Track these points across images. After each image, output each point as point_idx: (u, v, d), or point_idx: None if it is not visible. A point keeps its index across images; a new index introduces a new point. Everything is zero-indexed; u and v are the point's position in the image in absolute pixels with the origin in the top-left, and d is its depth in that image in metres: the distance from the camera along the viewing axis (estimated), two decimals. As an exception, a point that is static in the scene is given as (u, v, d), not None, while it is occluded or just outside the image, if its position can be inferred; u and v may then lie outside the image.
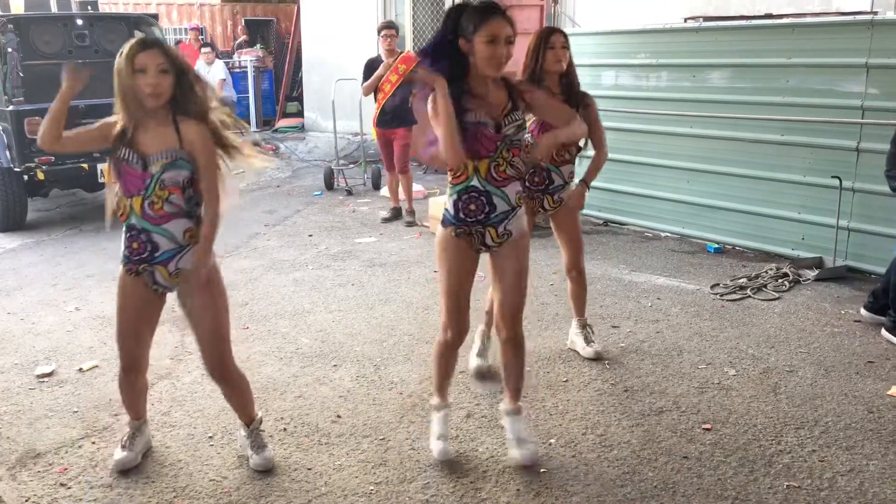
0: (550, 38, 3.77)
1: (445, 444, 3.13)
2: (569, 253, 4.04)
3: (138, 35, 7.92)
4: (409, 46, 10.09)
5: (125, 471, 3.07)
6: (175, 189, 2.73)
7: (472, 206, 2.87)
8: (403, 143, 7.23)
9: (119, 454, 3.10)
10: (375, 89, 7.16)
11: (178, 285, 2.83)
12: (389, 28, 7.25)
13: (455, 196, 2.90)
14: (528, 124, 3.10)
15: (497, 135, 2.81)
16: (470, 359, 3.95)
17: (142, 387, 3.14)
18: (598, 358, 4.06)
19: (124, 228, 2.79)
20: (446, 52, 2.76)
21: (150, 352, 3.06)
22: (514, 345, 3.04)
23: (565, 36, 3.83)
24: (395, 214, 7.47)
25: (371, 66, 7.23)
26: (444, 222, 2.97)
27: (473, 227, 2.90)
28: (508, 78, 2.90)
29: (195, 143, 2.73)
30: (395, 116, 7.17)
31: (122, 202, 2.76)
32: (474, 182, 2.85)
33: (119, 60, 2.69)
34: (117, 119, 2.77)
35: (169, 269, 2.78)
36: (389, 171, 7.44)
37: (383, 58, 7.14)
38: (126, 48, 2.69)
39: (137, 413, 3.17)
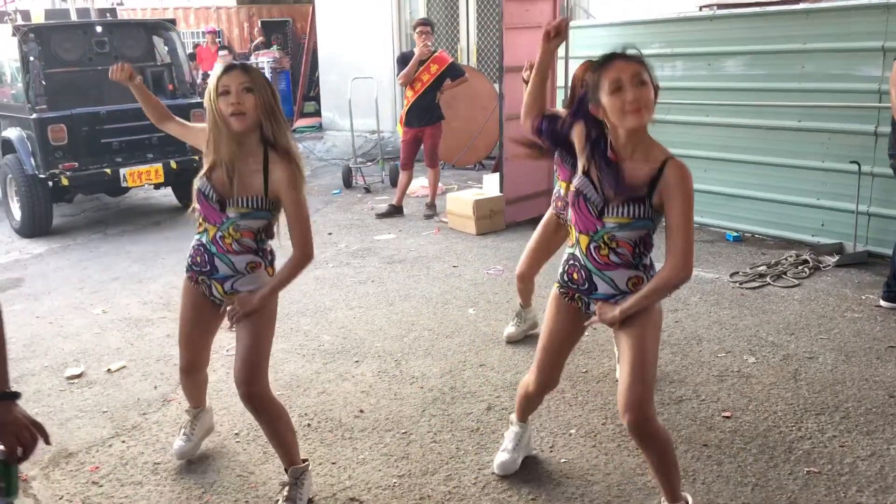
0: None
1: (507, 457, 3.02)
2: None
3: (159, 41, 8.10)
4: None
5: (183, 461, 3.19)
6: (248, 234, 2.71)
7: (575, 276, 2.56)
8: (434, 140, 7.36)
9: (178, 444, 3.20)
10: (406, 86, 7.30)
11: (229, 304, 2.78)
12: (425, 25, 7.35)
13: (566, 256, 2.62)
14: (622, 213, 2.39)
15: (597, 219, 2.42)
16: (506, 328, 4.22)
17: (202, 381, 3.19)
18: None
19: (195, 239, 2.80)
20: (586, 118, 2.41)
21: (209, 352, 3.10)
22: (636, 436, 2.49)
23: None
24: (392, 212, 7.55)
25: (404, 59, 7.35)
26: (558, 278, 2.68)
27: (577, 295, 2.61)
28: (671, 158, 2.34)
29: (282, 188, 2.63)
30: (424, 115, 7.28)
31: (200, 221, 2.77)
32: (576, 252, 2.54)
33: (206, 94, 2.65)
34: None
35: (224, 287, 2.77)
36: (405, 169, 7.51)
37: (416, 52, 7.26)
38: (212, 78, 2.67)
39: (196, 402, 3.22)
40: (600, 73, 2.32)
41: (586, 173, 2.45)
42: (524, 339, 4.26)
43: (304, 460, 2.91)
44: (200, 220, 2.77)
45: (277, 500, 2.84)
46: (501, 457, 3.04)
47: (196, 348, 3.00)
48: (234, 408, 3.61)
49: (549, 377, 2.80)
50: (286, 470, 2.86)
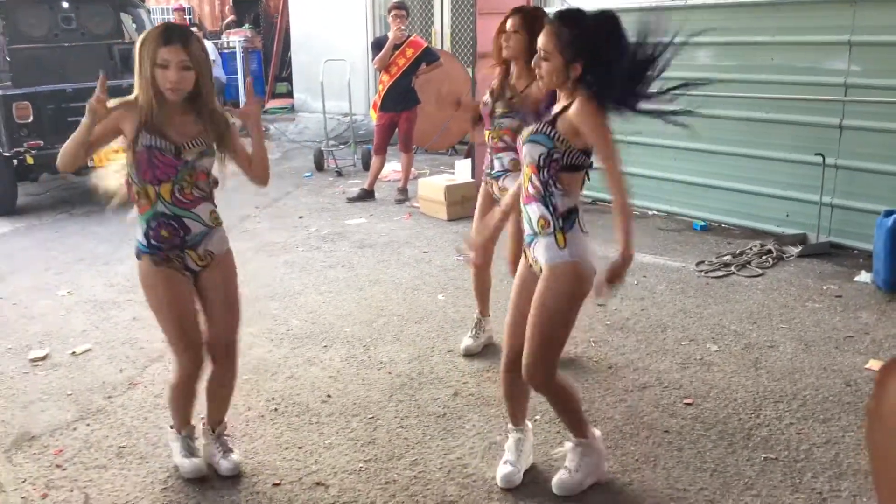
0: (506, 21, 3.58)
1: (509, 469, 2.89)
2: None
3: (127, 18, 7.94)
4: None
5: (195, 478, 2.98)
6: (203, 175, 2.78)
7: (521, 226, 2.83)
8: (409, 125, 7.36)
9: (186, 464, 2.98)
10: (382, 70, 7.29)
11: (204, 269, 2.81)
12: (399, 8, 7.29)
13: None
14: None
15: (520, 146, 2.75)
16: (463, 339, 4.07)
17: (197, 381, 2.96)
18: None
19: (148, 218, 2.72)
20: None
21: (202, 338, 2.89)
22: (538, 392, 2.79)
23: (518, 14, 3.56)
24: (364, 196, 7.53)
25: (379, 44, 7.33)
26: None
27: (526, 249, 2.79)
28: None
29: (226, 130, 2.78)
30: (400, 99, 7.27)
31: (145, 191, 2.69)
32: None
33: (140, 49, 2.63)
34: (128, 104, 2.68)
35: (199, 252, 2.79)
36: (378, 154, 7.49)
37: (390, 36, 7.22)
38: (147, 37, 2.63)
39: (187, 418, 3.04)
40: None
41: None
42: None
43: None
44: (145, 190, 2.69)
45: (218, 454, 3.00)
46: (504, 469, 2.89)
47: (196, 331, 2.84)
48: (199, 393, 3.59)
49: (515, 344, 2.75)
50: (213, 428, 3.04)
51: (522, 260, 2.81)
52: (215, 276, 2.84)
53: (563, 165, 2.57)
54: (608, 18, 2.50)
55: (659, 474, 2.93)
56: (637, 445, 3.13)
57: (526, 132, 2.64)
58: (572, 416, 2.84)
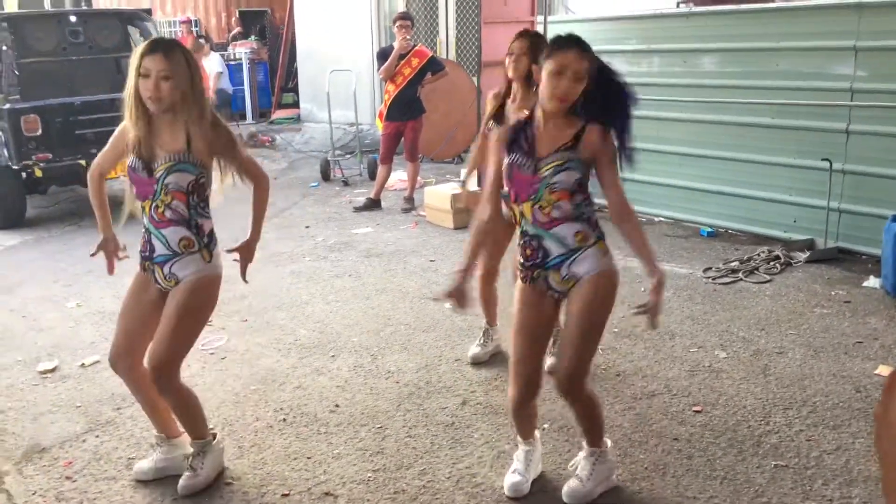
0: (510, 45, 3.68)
1: (518, 479, 2.88)
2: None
3: (134, 31, 8.01)
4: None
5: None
6: (179, 195, 2.74)
7: (528, 252, 2.68)
8: (415, 134, 7.39)
9: (138, 463, 3.08)
10: (387, 80, 7.34)
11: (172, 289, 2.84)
12: (405, 19, 7.34)
13: (517, 241, 2.76)
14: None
15: (533, 175, 2.59)
16: (471, 347, 4.07)
17: (146, 392, 2.95)
18: None
19: (142, 226, 2.89)
20: None
21: (144, 346, 2.91)
22: (569, 400, 2.75)
23: (526, 38, 3.66)
24: (370, 205, 7.55)
25: (384, 54, 7.37)
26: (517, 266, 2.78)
27: (536, 273, 2.69)
28: (591, 121, 2.61)
29: (205, 140, 2.73)
30: (406, 108, 7.30)
31: (139, 203, 2.86)
32: (524, 226, 2.68)
33: (130, 62, 2.71)
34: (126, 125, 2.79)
35: (164, 271, 2.82)
36: (384, 163, 7.52)
37: (395, 46, 7.26)
38: (136, 49, 2.72)
39: (158, 425, 3.05)
40: (554, 51, 2.55)
41: (511, 151, 2.66)
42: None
43: (214, 435, 3.04)
44: (139, 202, 2.86)
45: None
46: (512, 478, 2.89)
47: (136, 325, 2.88)
48: (208, 403, 3.60)
49: (530, 373, 2.72)
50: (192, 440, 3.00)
51: (531, 289, 2.73)
52: (170, 298, 2.83)
53: (584, 186, 2.65)
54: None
55: (668, 482, 2.92)
56: (646, 453, 3.12)
57: (550, 163, 2.57)
58: (595, 424, 2.85)
